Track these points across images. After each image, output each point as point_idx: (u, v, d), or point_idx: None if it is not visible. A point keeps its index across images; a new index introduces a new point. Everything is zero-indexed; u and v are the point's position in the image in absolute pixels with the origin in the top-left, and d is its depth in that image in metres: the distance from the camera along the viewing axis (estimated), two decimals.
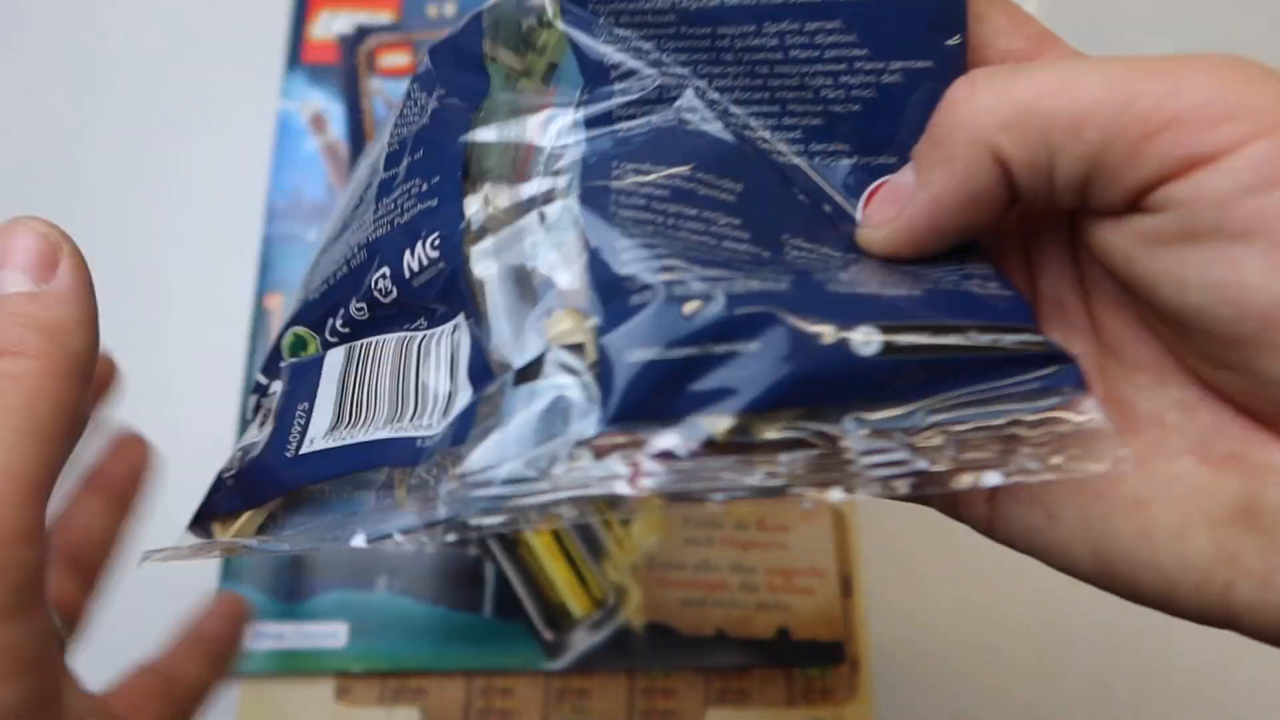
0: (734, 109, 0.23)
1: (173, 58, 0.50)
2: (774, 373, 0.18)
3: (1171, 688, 0.38)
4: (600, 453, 0.18)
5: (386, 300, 0.23)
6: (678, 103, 0.22)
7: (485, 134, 0.23)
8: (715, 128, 0.22)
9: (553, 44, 0.23)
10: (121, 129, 0.48)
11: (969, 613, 0.40)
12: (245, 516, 0.24)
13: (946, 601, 0.40)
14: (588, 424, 0.18)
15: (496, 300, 0.21)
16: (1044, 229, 0.23)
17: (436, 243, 0.22)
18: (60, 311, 0.20)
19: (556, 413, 0.18)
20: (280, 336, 0.26)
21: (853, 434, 0.19)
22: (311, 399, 0.23)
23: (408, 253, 0.22)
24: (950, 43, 0.22)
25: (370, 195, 0.24)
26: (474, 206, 0.22)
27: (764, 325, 0.18)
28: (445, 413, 0.21)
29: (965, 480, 0.19)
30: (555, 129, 0.23)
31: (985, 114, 0.19)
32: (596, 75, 0.23)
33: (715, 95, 0.23)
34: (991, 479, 0.19)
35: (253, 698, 0.38)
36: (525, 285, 0.21)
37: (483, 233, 0.22)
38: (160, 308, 0.45)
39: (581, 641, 0.39)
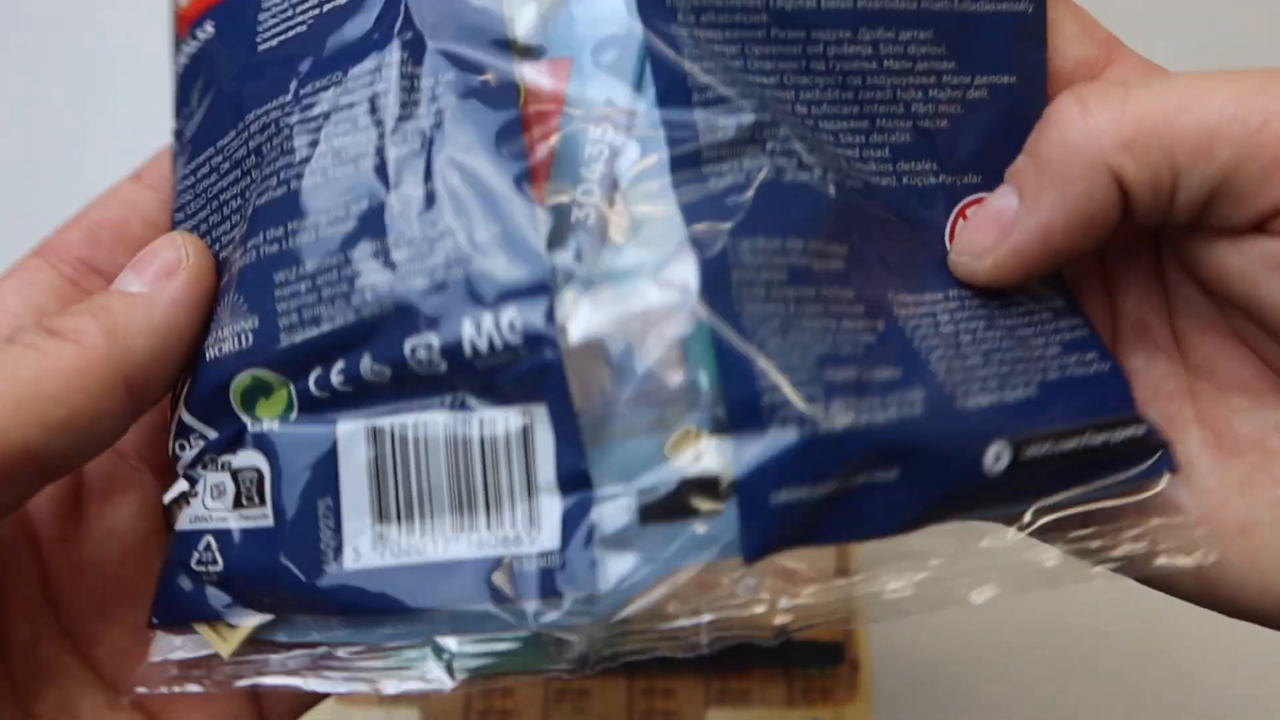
0: (823, 124, 0.21)
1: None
2: (913, 501, 0.18)
3: (1173, 685, 0.38)
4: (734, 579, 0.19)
5: (423, 372, 0.19)
6: (769, 145, 0.20)
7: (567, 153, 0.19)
8: (812, 177, 0.20)
9: None
10: (122, 129, 0.48)
11: (968, 612, 0.40)
12: (251, 621, 0.20)
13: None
14: (725, 553, 0.18)
15: (598, 398, 0.18)
16: (1125, 248, 0.22)
17: (517, 325, 0.18)
18: (136, 315, 0.20)
19: (692, 544, 0.18)
20: (226, 373, 0.20)
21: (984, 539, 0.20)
22: (334, 494, 0.19)
23: (468, 324, 0.18)
24: (1032, 58, 0.21)
25: (361, 208, 0.19)
26: (566, 283, 0.18)
27: (903, 455, 0.18)
28: (533, 523, 0.18)
29: (1081, 575, 0.20)
30: (615, 157, 0.19)
31: (1104, 134, 0.18)
32: (674, 93, 0.19)
33: (803, 109, 0.20)
34: (1098, 571, 0.20)
35: None
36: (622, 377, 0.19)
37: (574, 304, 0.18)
38: None
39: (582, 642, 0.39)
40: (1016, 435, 0.19)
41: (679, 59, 0.19)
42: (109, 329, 0.19)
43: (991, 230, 0.20)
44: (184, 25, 0.24)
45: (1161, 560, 0.20)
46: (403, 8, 0.20)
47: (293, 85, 0.21)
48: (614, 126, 0.19)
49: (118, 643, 0.22)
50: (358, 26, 0.21)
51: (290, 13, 0.22)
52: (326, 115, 0.20)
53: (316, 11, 0.21)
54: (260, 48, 0.22)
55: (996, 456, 0.19)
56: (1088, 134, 0.19)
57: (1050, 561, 0.20)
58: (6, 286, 0.22)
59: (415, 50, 0.20)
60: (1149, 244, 0.21)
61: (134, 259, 0.21)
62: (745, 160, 0.19)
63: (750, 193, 0.19)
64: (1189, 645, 0.38)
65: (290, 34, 0.22)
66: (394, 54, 0.20)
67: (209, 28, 0.23)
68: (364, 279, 0.19)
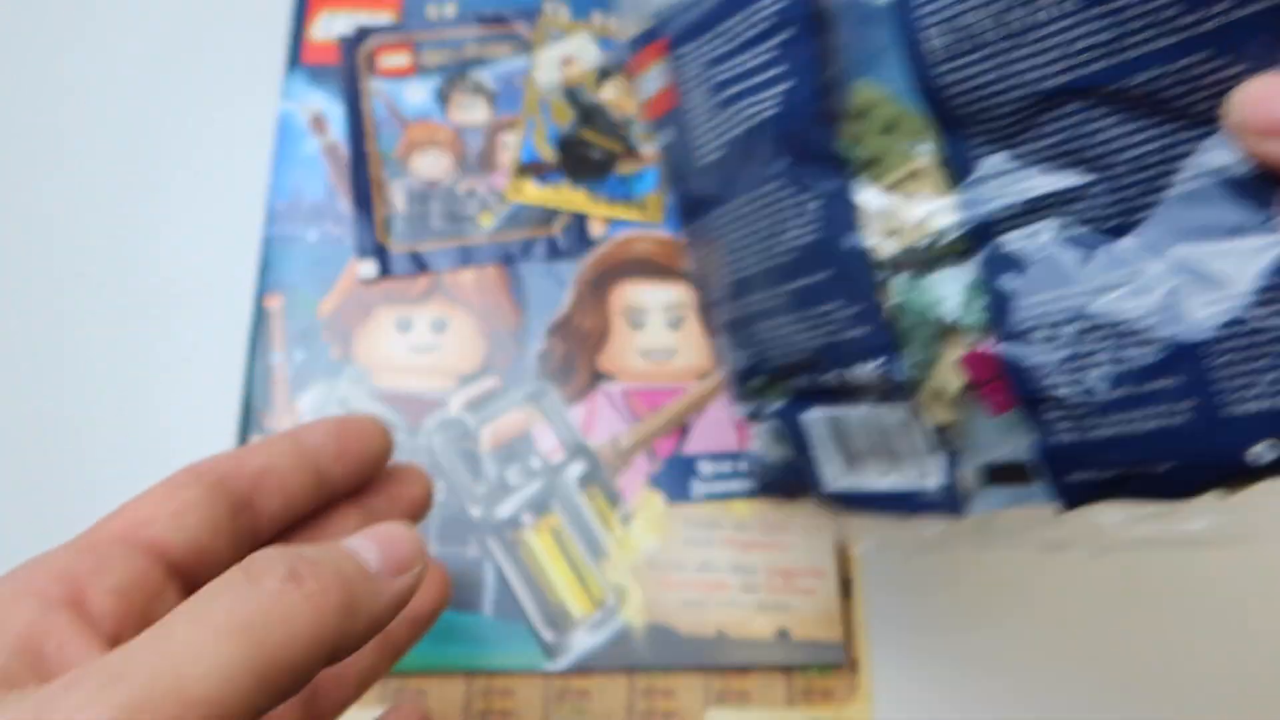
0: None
1: (173, 59, 0.50)
2: (1189, 483, 0.24)
3: (1172, 685, 0.38)
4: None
5: (855, 384, 0.28)
6: (1051, 214, 0.24)
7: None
8: (1086, 231, 0.24)
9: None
10: (122, 130, 0.48)
11: (968, 612, 0.40)
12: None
13: (946, 601, 0.40)
14: (1046, 500, 0.26)
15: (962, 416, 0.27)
16: None
17: (881, 371, 0.27)
18: (365, 596, 0.21)
19: (1016, 497, 0.27)
20: (746, 377, 0.32)
21: None
22: (809, 448, 0.30)
23: (861, 365, 0.28)
24: None
25: (823, 276, 0.27)
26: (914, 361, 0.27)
27: (1168, 457, 0.24)
28: (923, 475, 0.28)
29: None
30: (926, 213, 0.26)
31: None
32: (960, 167, 0.25)
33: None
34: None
35: None
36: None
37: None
38: (161, 308, 0.45)
39: (581, 641, 0.39)
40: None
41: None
42: (347, 603, 0.20)
43: None
44: (653, 112, 0.31)
45: None
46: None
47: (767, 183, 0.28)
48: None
49: None
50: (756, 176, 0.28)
51: (713, 133, 0.29)
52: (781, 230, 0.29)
53: (730, 136, 0.29)
54: (701, 161, 0.30)
55: (1258, 456, 0.22)
56: None
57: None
58: (157, 496, 0.24)
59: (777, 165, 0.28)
60: None
61: (373, 530, 0.22)
62: (1029, 231, 0.25)
63: (1032, 258, 0.25)
64: (1194, 647, 0.38)
65: (712, 157, 0.29)
66: (782, 174, 0.28)
67: (671, 133, 0.31)
68: (820, 327, 0.28)
